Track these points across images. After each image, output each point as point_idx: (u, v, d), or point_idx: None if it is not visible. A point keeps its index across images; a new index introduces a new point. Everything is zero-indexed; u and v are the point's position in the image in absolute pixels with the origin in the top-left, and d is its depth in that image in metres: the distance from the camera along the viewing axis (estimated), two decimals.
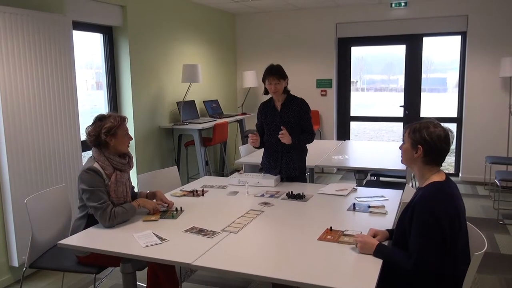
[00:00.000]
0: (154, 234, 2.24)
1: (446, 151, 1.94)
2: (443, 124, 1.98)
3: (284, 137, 3.14)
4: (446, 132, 1.94)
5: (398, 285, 1.92)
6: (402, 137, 2.11)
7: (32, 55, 3.40)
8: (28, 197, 2.61)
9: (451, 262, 1.83)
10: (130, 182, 2.68)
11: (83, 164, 3.92)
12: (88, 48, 4.78)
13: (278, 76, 3.18)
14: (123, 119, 2.58)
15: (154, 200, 2.70)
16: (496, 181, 4.68)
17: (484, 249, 1.84)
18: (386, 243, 2.09)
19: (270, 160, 3.35)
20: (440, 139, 1.91)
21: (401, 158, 2.07)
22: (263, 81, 3.27)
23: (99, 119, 2.54)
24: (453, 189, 1.92)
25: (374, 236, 2.11)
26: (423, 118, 2.13)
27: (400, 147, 2.06)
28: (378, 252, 1.90)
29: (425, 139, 1.91)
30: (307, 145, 3.39)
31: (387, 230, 2.18)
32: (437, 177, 1.93)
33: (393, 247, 1.99)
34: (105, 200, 2.40)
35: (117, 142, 2.52)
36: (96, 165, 2.46)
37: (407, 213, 1.93)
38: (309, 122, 3.30)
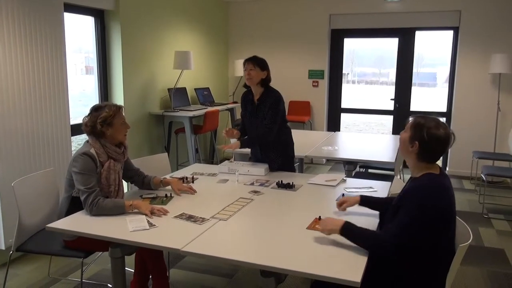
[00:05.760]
0: (147, 219, 2.25)
1: (441, 154, 1.92)
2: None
3: (228, 147, 3.12)
4: (448, 135, 1.88)
5: (385, 274, 1.94)
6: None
7: (22, 37, 3.34)
8: (15, 180, 2.58)
9: (438, 252, 1.86)
10: (122, 172, 2.67)
11: (72, 148, 3.93)
12: (78, 31, 4.70)
13: (254, 63, 3.08)
14: (119, 108, 2.57)
15: (171, 189, 2.73)
16: (482, 176, 4.75)
17: (469, 241, 1.87)
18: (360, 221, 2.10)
19: (252, 156, 3.34)
20: (438, 142, 1.87)
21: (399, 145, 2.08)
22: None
23: (95, 109, 2.52)
24: (446, 181, 1.92)
25: (343, 203, 2.29)
26: (431, 113, 2.09)
27: (401, 134, 2.03)
28: (345, 230, 1.92)
29: (423, 138, 1.88)
30: (294, 136, 3.36)
31: (361, 196, 2.33)
32: (432, 170, 1.94)
33: (362, 228, 1.97)
34: (93, 186, 2.38)
35: (113, 131, 2.52)
36: (92, 150, 2.45)
37: (397, 202, 1.95)
38: (270, 115, 3.09)
